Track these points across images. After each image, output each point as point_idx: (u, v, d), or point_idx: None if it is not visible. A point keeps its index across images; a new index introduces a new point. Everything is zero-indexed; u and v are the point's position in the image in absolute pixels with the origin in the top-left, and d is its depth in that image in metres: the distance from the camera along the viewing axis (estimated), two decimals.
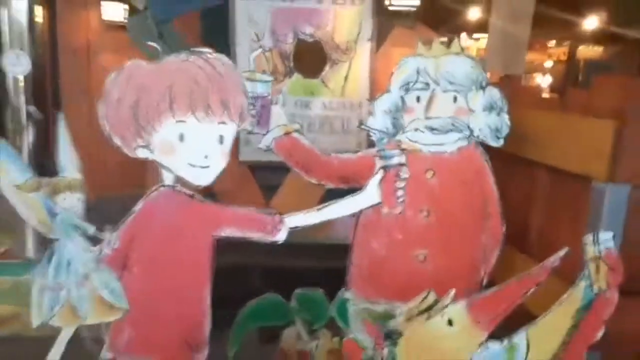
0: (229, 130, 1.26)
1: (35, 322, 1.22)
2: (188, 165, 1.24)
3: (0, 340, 2.44)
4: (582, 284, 1.31)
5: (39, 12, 3.30)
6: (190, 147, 1.22)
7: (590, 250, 1.30)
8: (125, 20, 3.35)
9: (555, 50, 9.71)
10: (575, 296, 1.30)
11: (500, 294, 1.33)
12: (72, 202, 1.22)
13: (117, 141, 1.21)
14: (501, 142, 1.65)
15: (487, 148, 1.66)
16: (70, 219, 1.18)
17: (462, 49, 1.66)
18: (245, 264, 2.29)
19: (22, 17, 3.25)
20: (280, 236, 1.35)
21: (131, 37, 2.26)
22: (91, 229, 1.21)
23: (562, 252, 1.29)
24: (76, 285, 1.18)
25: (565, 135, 1.67)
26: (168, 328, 1.27)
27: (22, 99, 3.32)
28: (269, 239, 1.34)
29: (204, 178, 1.27)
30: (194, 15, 2.62)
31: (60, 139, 1.23)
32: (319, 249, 2.29)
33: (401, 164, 1.45)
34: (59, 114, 1.27)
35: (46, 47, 3.38)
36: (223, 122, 1.24)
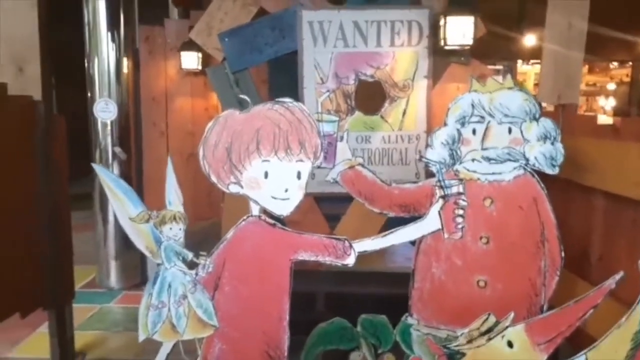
0: (306, 167, 1.45)
1: (141, 337, 1.42)
2: (271, 198, 1.43)
3: None
4: None
5: (125, 64, 3.69)
6: (273, 183, 1.42)
7: None
8: (199, 68, 3.67)
9: (617, 72, 9.39)
10: (634, 319, 1.33)
11: (558, 316, 1.39)
12: (175, 232, 1.43)
13: (213, 179, 1.43)
14: (557, 169, 1.72)
15: (545, 176, 1.73)
16: (172, 246, 1.40)
17: (515, 83, 1.77)
18: (313, 292, 2.43)
19: (111, 69, 3.66)
20: (350, 260, 1.49)
21: (212, 86, 2.52)
22: (190, 255, 1.42)
23: (618, 276, 1.34)
24: (175, 304, 1.37)
25: (620, 162, 1.71)
26: (254, 341, 1.44)
27: (109, 140, 3.71)
28: (340, 262, 1.49)
29: (285, 208, 1.46)
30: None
31: (168, 177, 1.46)
32: (382, 277, 2.40)
33: (460, 193, 1.56)
34: (168, 157, 1.49)
35: (130, 94, 3.75)
36: (300, 160, 1.43)
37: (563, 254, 1.74)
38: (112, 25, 3.64)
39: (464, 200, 1.56)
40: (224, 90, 2.34)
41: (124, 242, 3.84)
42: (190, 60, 3.64)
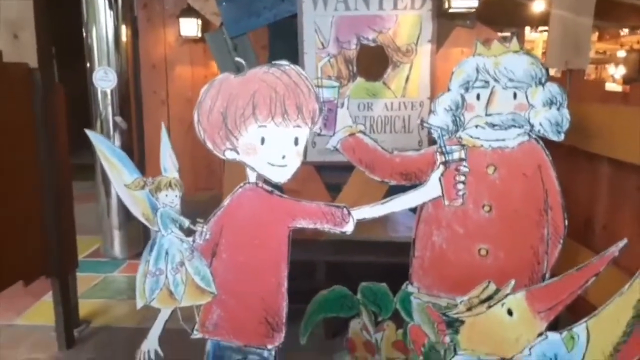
0: (303, 133, 1.41)
1: (139, 304, 1.42)
2: (268, 165, 1.40)
3: (94, 330, 2.73)
4: None
5: (124, 32, 3.62)
6: (270, 149, 1.38)
7: None
8: (199, 35, 3.60)
9: (628, 39, 9.16)
10: (637, 287, 1.31)
11: (559, 284, 1.37)
12: (171, 199, 1.41)
13: (209, 145, 1.40)
14: (562, 136, 1.68)
15: (550, 142, 1.69)
16: (169, 213, 1.39)
17: (521, 47, 1.71)
18: (314, 261, 2.43)
19: (110, 37, 3.60)
20: (348, 227, 1.47)
21: (211, 51, 2.47)
22: (186, 222, 1.40)
23: (621, 244, 1.32)
24: (173, 271, 1.37)
25: (627, 128, 1.66)
26: (252, 308, 1.44)
27: (110, 110, 3.67)
28: (338, 230, 1.47)
29: (282, 175, 1.43)
30: (262, 28, 2.81)
31: (163, 143, 1.43)
32: (384, 246, 2.39)
33: (461, 159, 1.52)
34: (162, 124, 1.46)
35: (129, 63, 3.69)
36: (298, 126, 1.39)
37: (567, 222, 1.72)
38: None
39: (465, 166, 1.53)
40: (222, 56, 2.29)
41: (127, 213, 3.81)
42: (190, 27, 3.57)
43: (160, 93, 3.91)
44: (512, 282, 1.40)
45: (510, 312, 1.39)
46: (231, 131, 1.35)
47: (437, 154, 1.54)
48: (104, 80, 3.59)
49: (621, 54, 9.36)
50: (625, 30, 8.93)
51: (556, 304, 1.37)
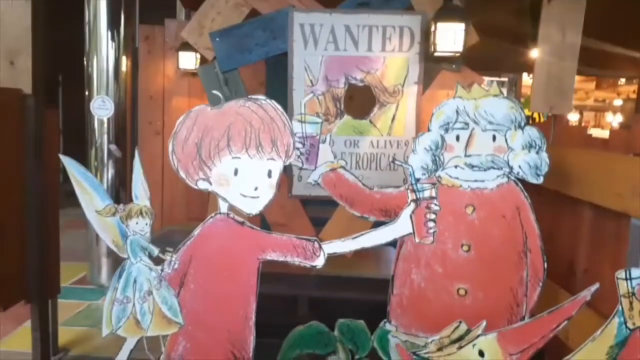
0: (277, 166, 1.43)
1: (105, 331, 1.41)
2: (240, 196, 1.41)
3: (71, 359, 2.68)
4: (616, 320, 1.31)
5: (124, 62, 3.70)
6: (243, 180, 1.40)
7: (623, 286, 1.30)
8: (196, 69, 3.68)
9: (625, 88, 9.32)
10: (609, 332, 1.30)
11: (531, 327, 1.36)
12: (142, 227, 1.41)
13: (182, 174, 1.41)
14: (541, 179, 1.69)
15: (535, 185, 1.70)
16: (138, 241, 1.39)
17: (501, 91, 1.75)
18: (294, 295, 2.40)
19: (110, 67, 3.68)
20: (319, 262, 1.47)
21: (202, 84, 2.52)
22: (156, 251, 1.40)
23: (593, 288, 1.31)
24: (140, 300, 1.36)
25: (607, 173, 1.68)
26: (218, 340, 1.42)
27: (105, 138, 3.71)
28: (309, 263, 1.47)
29: (254, 207, 1.44)
30: (261, 64, 2.88)
31: (135, 171, 1.45)
32: (364, 283, 2.37)
33: (432, 197, 1.53)
34: (135, 150, 1.48)
35: (128, 93, 3.76)
36: (272, 159, 1.41)
37: (546, 264, 1.71)
38: (113, 24, 3.66)
39: (436, 204, 1.54)
40: (212, 89, 2.33)
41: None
42: (188, 60, 3.66)
43: (156, 124, 3.97)
44: (484, 322, 1.38)
45: (481, 354, 1.37)
46: (205, 162, 1.37)
47: (408, 191, 1.55)
48: (102, 108, 3.65)
49: (618, 102, 9.51)
50: (622, 80, 9.10)
51: (528, 347, 1.35)
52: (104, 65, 3.66)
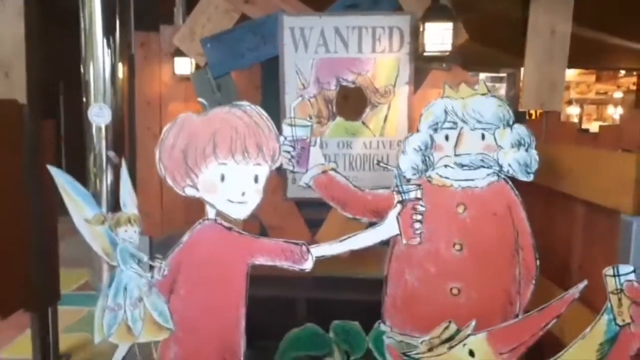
0: (263, 171, 1.44)
1: (97, 339, 1.42)
2: (227, 202, 1.43)
3: None
4: (605, 317, 1.31)
5: (120, 69, 3.72)
6: (230, 186, 1.41)
7: (611, 283, 1.30)
8: (192, 74, 3.69)
9: (625, 80, 9.27)
10: (599, 329, 1.30)
11: (520, 325, 1.37)
12: (130, 234, 1.43)
13: (169, 181, 1.42)
14: (531, 176, 1.69)
15: (526, 183, 1.70)
16: (127, 248, 1.40)
17: (489, 90, 1.75)
18: (289, 297, 2.41)
19: (107, 74, 3.69)
20: (307, 265, 1.48)
21: (195, 90, 2.54)
22: (144, 258, 1.41)
23: (581, 285, 1.32)
24: (131, 306, 1.37)
25: (596, 169, 1.68)
26: (209, 346, 1.43)
27: (103, 145, 3.73)
28: (297, 267, 1.48)
29: (241, 212, 1.45)
30: (256, 68, 2.89)
31: (123, 179, 1.46)
32: (360, 283, 2.37)
33: (417, 198, 1.54)
34: (122, 159, 1.49)
35: (125, 99, 3.78)
36: (258, 164, 1.42)
37: (538, 262, 1.71)
38: (108, 30, 3.67)
39: (422, 205, 1.54)
40: (205, 95, 2.35)
41: None
42: (184, 65, 3.67)
43: (154, 129, 3.98)
44: (473, 322, 1.39)
45: (472, 353, 1.38)
46: (191, 168, 1.39)
47: (394, 193, 1.56)
48: (99, 116, 3.67)
49: (618, 95, 9.46)
50: (622, 72, 9.06)
51: (518, 346, 1.35)
52: (100, 72, 3.67)
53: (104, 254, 1.44)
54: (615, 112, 9.31)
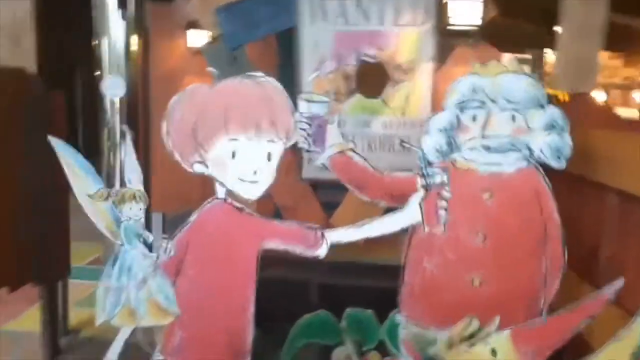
0: (277, 148, 1.35)
1: (99, 320, 1.36)
2: (238, 180, 1.34)
3: (81, 340, 2.68)
4: None
5: (134, 41, 3.63)
6: (241, 164, 1.32)
7: None
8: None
9: None
10: (635, 332, 1.20)
11: (548, 325, 1.27)
12: (135, 212, 1.34)
13: (177, 156, 1.34)
14: (563, 163, 1.57)
15: (552, 170, 1.59)
16: (133, 227, 1.33)
17: (521, 67, 1.63)
18: (303, 280, 2.35)
19: (120, 46, 3.61)
20: (321, 251, 1.40)
21: (207, 63, 2.44)
22: (151, 237, 1.34)
23: (618, 283, 1.21)
24: (135, 288, 1.30)
25: (635, 158, 1.56)
26: (215, 330, 1.36)
27: (117, 118, 3.66)
28: (311, 253, 1.39)
29: (253, 192, 1.36)
30: (272, 40, 2.78)
31: (127, 154, 1.39)
32: (376, 269, 2.29)
33: (443, 183, 1.43)
34: (126, 133, 1.42)
35: (139, 72, 3.70)
36: (271, 141, 1.33)
37: (566, 254, 1.60)
38: (121, 2, 3.58)
39: (447, 191, 1.44)
40: (220, 68, 2.26)
41: None
42: (197, 38, 3.56)
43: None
44: (497, 319, 1.29)
45: (494, 352, 1.28)
46: (201, 144, 1.30)
47: (418, 177, 1.45)
48: (112, 88, 3.59)
49: None
50: None
51: (545, 347, 1.26)
52: (114, 45, 3.59)
53: (108, 233, 1.36)
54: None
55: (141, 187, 1.35)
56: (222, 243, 1.35)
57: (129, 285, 1.31)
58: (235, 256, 1.36)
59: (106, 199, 1.32)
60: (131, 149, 1.38)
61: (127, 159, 1.37)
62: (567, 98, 2.15)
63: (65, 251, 2.56)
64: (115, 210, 1.33)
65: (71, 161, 1.34)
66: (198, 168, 1.34)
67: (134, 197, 1.33)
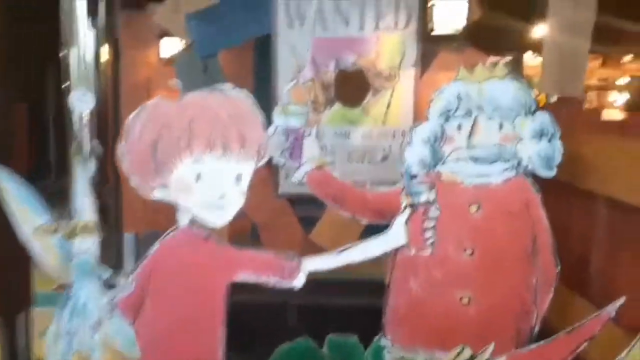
0: (247, 169, 1.23)
1: None
2: (204, 206, 1.21)
3: None
4: None
5: (105, 51, 3.49)
6: (207, 187, 1.20)
7: None
8: None
9: (630, 66, 9.03)
10: (637, 354, 1.12)
11: (546, 349, 1.19)
12: (87, 245, 1.20)
13: (135, 180, 1.21)
14: (553, 171, 1.51)
15: (540, 178, 1.53)
16: (86, 262, 1.18)
17: (508, 72, 1.55)
18: (283, 301, 2.24)
19: (90, 57, 3.46)
20: (297, 282, 1.28)
21: (177, 72, 2.33)
22: (106, 274, 1.19)
23: (619, 302, 1.13)
24: (90, 330, 1.16)
25: (627, 164, 1.49)
26: None
27: (86, 133, 3.50)
28: (286, 284, 1.28)
29: (219, 219, 1.23)
30: (248, 48, 2.68)
31: (77, 181, 1.24)
32: (361, 285, 2.20)
33: (430, 202, 1.34)
34: (75, 155, 1.28)
35: (109, 83, 3.56)
36: (241, 161, 1.21)
37: (558, 267, 1.52)
38: (91, 11, 3.44)
39: (437, 208, 1.34)
40: (190, 79, 2.15)
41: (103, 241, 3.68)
42: (170, 47, 3.44)
43: None
44: (492, 346, 1.20)
45: None
46: (162, 165, 1.17)
47: (403, 194, 1.35)
48: (81, 101, 3.44)
49: (623, 80, 9.23)
50: (628, 57, 8.82)
51: None
52: (82, 55, 3.45)
53: (53, 271, 1.21)
54: (616, 99, 9.09)
55: (93, 217, 1.21)
56: (188, 276, 1.21)
57: (82, 328, 1.16)
58: (202, 289, 1.23)
59: (54, 232, 1.17)
60: (82, 175, 1.24)
61: (77, 184, 1.22)
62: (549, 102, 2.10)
63: (25, 281, 2.39)
64: (65, 245, 1.18)
65: (8, 187, 1.18)
66: (159, 193, 1.21)
67: (86, 228, 1.18)
